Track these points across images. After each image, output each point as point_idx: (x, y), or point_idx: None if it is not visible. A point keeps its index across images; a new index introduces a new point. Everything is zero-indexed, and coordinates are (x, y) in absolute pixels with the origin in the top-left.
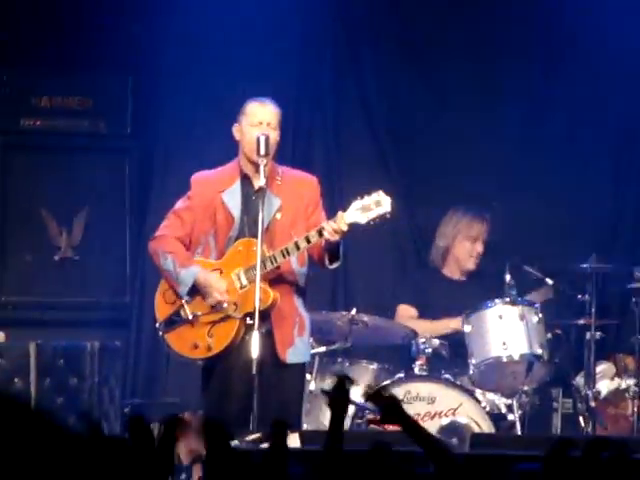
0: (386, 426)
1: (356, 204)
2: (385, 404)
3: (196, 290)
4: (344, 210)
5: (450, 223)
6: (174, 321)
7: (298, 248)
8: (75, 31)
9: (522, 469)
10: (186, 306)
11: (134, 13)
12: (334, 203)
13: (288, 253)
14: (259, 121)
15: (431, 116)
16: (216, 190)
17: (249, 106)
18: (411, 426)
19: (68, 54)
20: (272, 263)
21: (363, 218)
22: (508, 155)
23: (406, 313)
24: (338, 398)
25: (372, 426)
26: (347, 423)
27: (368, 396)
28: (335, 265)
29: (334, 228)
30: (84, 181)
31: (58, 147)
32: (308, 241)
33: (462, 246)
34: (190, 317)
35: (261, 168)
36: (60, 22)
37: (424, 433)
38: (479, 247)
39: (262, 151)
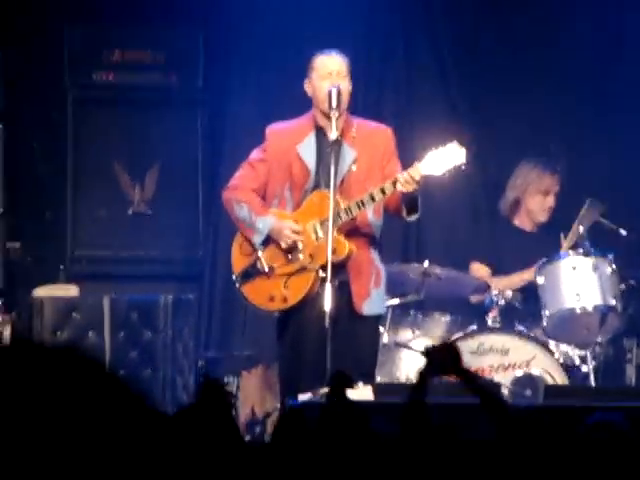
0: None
1: (431, 155)
2: (443, 356)
3: (272, 241)
4: (419, 161)
5: (520, 175)
6: (250, 273)
7: (373, 199)
8: None
9: (596, 420)
10: (262, 258)
11: None
12: (405, 155)
13: (363, 205)
14: (328, 72)
15: (505, 67)
16: (291, 142)
17: (317, 59)
18: (469, 378)
19: (140, 8)
20: (347, 215)
21: (438, 169)
22: (580, 109)
23: (479, 271)
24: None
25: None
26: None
27: (429, 350)
28: (414, 217)
29: (406, 179)
30: (156, 135)
31: (130, 101)
32: (383, 192)
33: (534, 200)
34: (266, 269)
35: (333, 121)
36: None
37: (481, 384)
38: (550, 200)
39: (334, 104)
